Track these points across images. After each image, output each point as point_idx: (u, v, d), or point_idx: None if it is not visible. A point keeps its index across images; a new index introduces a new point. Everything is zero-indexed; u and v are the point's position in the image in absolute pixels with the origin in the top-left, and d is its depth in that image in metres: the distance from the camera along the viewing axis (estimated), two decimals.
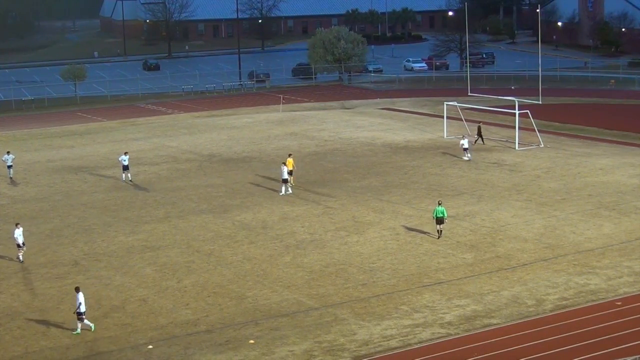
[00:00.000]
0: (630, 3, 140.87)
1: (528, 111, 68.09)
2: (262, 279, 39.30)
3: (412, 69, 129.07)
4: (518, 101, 68.85)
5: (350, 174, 60.18)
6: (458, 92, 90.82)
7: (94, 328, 33.96)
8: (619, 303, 35.19)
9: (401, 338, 32.32)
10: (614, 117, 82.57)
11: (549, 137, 70.65)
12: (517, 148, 66.54)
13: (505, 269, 39.59)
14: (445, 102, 75.03)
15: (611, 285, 37.36)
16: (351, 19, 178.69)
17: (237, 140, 75.25)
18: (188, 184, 58.84)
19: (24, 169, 64.71)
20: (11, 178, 61.47)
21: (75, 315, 33.85)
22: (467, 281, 38.15)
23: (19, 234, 42.82)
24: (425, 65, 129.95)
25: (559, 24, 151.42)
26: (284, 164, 55.41)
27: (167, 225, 48.79)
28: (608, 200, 51.10)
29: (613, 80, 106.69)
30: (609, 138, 71.59)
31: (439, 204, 44.20)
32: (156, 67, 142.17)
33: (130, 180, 59.77)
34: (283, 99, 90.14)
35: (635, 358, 29.65)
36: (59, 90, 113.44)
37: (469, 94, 75.38)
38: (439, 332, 32.80)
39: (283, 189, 54.44)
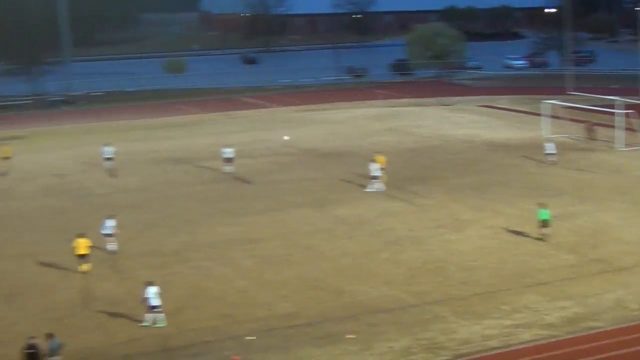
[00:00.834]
0: None
1: (634, 111, 66.68)
2: (361, 274, 39.30)
3: (511, 66, 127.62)
4: (620, 101, 67.44)
5: (449, 171, 59.77)
6: (558, 91, 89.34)
7: (164, 324, 34.09)
8: None
9: (502, 338, 31.96)
10: None
11: None
12: (620, 148, 65.18)
13: (608, 272, 38.79)
14: (545, 100, 73.97)
15: None
16: (449, 15, 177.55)
17: (335, 135, 75.47)
18: (287, 178, 59.25)
19: (126, 160, 65.91)
20: (110, 170, 61.99)
21: (146, 308, 34.11)
22: (569, 283, 37.50)
23: (110, 224, 43.36)
24: (525, 62, 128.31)
25: None
26: (373, 160, 55.25)
27: (266, 217, 49.19)
28: None
29: None
30: None
31: (542, 206, 43.45)
32: (254, 61, 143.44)
33: (231, 173, 60.39)
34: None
35: None
36: (160, 83, 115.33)
37: (569, 92, 74.17)
38: (540, 334, 32.31)
39: (375, 185, 54.22)
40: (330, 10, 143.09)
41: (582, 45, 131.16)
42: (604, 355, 30.26)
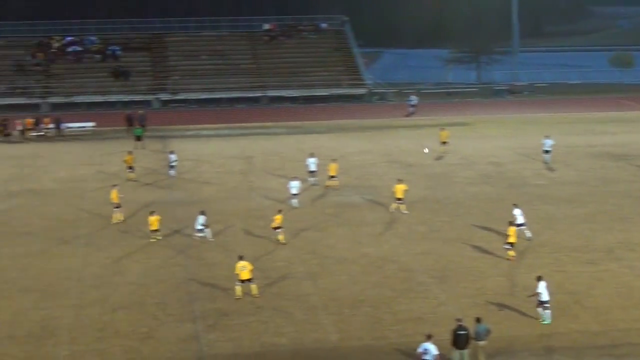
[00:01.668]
0: None
1: None
2: None
3: None
4: None
5: None
6: None
7: (549, 321, 33.34)
8: None
9: None
10: None
11: None
12: None
13: None
14: None
15: None
16: None
17: None
18: None
19: (564, 153, 65.34)
20: (547, 163, 62.05)
21: (535, 303, 33.71)
22: None
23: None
24: None
25: None
26: None
27: None
28: None
29: None
30: None
31: None
32: None
33: None
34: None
35: None
36: (605, 77, 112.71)
37: None
38: None
39: None
40: None
41: None
42: None
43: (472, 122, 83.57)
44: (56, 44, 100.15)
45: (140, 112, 79.39)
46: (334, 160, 56.25)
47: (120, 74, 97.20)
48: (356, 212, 50.07)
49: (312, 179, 55.57)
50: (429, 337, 29.12)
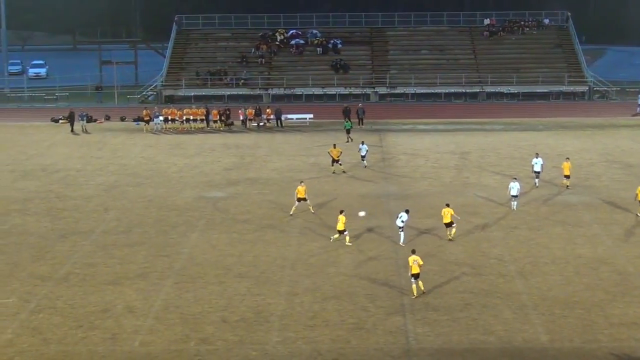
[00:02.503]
0: None
1: None
2: None
3: None
4: None
5: None
6: None
7: None
8: None
9: None
10: None
11: None
12: None
13: None
14: None
15: None
16: None
17: None
18: None
19: None
20: None
21: None
22: None
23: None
24: None
25: None
26: None
27: None
28: None
29: None
30: None
31: None
32: None
33: None
34: None
35: None
36: None
37: None
38: None
39: None
40: None
41: None
42: None
43: None
44: (280, 37, 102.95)
45: (359, 105, 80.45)
46: (567, 159, 54.78)
47: (340, 67, 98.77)
48: (572, 212, 48.76)
49: (536, 180, 54.22)
50: None
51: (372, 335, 32.54)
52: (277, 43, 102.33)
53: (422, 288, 36.18)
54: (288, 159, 63.94)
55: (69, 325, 33.55)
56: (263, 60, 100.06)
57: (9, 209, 50.40)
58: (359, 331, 32.92)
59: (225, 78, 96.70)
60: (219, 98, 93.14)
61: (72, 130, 76.27)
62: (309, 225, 46.63)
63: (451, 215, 43.31)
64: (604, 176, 56.76)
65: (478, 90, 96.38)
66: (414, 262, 35.93)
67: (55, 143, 71.47)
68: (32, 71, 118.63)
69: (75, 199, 52.65)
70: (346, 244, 42.89)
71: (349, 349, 31.56)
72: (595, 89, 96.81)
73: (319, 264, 40.31)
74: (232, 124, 77.74)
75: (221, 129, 77.28)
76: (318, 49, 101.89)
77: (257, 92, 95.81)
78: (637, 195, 46.97)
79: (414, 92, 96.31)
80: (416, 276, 35.92)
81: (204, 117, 77.92)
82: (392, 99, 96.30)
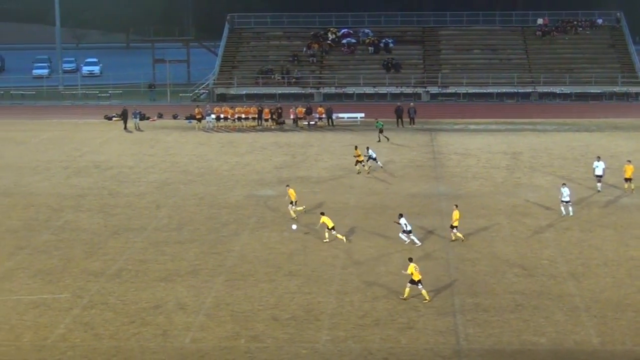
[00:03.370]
0: None
1: None
2: None
3: None
4: None
5: None
6: None
7: None
8: None
9: None
10: None
11: None
12: None
13: None
14: None
15: None
16: None
17: None
18: None
19: None
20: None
21: None
22: None
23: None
24: None
25: None
26: None
27: None
28: None
29: None
30: None
31: None
32: None
33: None
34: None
35: None
36: None
37: None
38: None
39: None
40: None
41: None
42: None
43: None
44: (331, 36, 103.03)
45: (411, 104, 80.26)
46: (628, 162, 53.88)
47: (392, 66, 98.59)
48: (624, 214, 48.24)
49: (598, 184, 52.92)
50: None
51: (422, 335, 32.49)
52: (328, 42, 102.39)
53: (427, 297, 35.89)
54: (339, 158, 63.95)
55: (121, 321, 33.95)
56: (315, 59, 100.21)
57: (63, 205, 51.09)
58: (409, 331, 32.89)
59: (277, 76, 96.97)
60: (271, 96, 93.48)
61: (125, 128, 77.06)
62: (360, 224, 46.65)
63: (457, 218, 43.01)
64: None
65: (530, 91, 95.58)
66: (415, 269, 35.72)
67: (108, 140, 72.26)
68: (85, 69, 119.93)
69: (127, 196, 53.21)
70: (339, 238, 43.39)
71: (399, 348, 31.54)
72: None
73: (369, 263, 40.32)
74: (283, 122, 77.96)
75: (273, 127, 77.57)
76: (370, 48, 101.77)
77: (309, 90, 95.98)
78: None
79: (465, 91, 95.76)
80: (419, 282, 35.67)
81: (255, 116, 78.26)
82: (444, 98, 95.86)
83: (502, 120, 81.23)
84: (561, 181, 51.27)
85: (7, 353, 31.34)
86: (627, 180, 52.63)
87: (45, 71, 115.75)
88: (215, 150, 67.45)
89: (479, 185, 55.41)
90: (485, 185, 55.57)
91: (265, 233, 45.35)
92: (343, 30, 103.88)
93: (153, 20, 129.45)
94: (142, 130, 76.79)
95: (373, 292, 36.59)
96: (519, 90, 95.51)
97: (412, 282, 35.69)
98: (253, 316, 34.32)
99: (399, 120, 77.56)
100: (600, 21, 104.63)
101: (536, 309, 34.66)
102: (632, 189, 52.33)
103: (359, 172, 58.28)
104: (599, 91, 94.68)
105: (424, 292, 35.73)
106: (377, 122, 71.76)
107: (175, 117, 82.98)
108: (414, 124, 78.17)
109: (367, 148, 59.41)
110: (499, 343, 31.81)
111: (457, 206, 44.02)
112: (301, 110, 78.80)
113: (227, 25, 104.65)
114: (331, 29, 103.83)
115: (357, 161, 58.57)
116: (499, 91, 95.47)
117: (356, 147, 59.41)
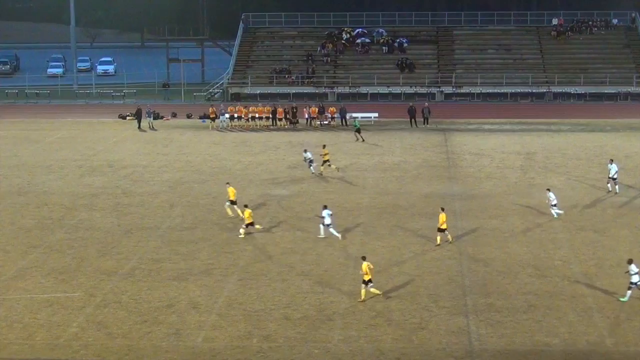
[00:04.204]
0: None
1: None
2: None
3: None
4: None
5: None
6: None
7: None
8: None
9: None
10: None
11: None
12: None
13: None
14: None
15: None
16: None
17: None
18: None
19: None
20: None
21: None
22: None
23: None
24: None
25: None
26: None
27: None
28: None
29: None
30: None
31: None
32: None
33: None
34: None
35: None
36: None
37: None
38: None
39: None
40: None
41: None
42: None
43: None
44: (346, 36, 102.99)
45: (424, 104, 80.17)
46: None
47: (406, 66, 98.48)
48: (639, 215, 48.04)
49: (616, 187, 52.45)
50: None
51: (434, 335, 32.44)
52: (343, 42, 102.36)
53: (378, 292, 35.99)
54: (352, 158, 63.93)
55: (133, 320, 34.02)
56: (329, 58, 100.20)
57: (76, 204, 51.25)
58: (422, 331, 32.84)
59: (291, 76, 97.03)
60: (284, 96, 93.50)
61: (139, 127, 77.24)
62: (372, 224, 46.63)
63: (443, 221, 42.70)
64: None
65: (545, 91, 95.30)
66: (368, 268, 35.70)
67: (122, 139, 72.46)
68: (100, 68, 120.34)
69: (141, 195, 53.34)
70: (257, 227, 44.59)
71: (411, 348, 31.49)
72: None
73: (382, 263, 40.24)
74: (297, 122, 77.97)
75: (286, 127, 77.59)
76: (384, 47, 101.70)
77: (323, 90, 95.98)
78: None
79: (480, 91, 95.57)
80: (370, 282, 35.68)
81: (269, 115, 78.31)
82: (458, 98, 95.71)
83: (516, 120, 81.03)
84: (575, 181, 51.12)
85: (20, 351, 31.45)
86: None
87: (59, 70, 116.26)
88: (229, 150, 67.54)
89: (493, 186, 55.28)
90: (499, 185, 55.45)
91: (278, 232, 45.37)
92: (357, 30, 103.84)
93: (167, 19, 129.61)
94: (156, 130, 76.98)
95: (385, 293, 36.52)
96: (534, 91, 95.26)
97: (364, 282, 35.62)
98: (265, 315, 34.34)
99: (412, 120, 77.45)
100: (615, 21, 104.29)
101: (549, 310, 34.55)
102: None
103: (320, 173, 58.02)
104: (613, 91, 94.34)
105: (373, 290, 35.80)
106: (355, 122, 71.92)
107: (189, 116, 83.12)
108: (427, 124, 78.06)
109: (305, 150, 59.37)
110: (512, 344, 31.71)
111: (443, 209, 43.48)
112: (315, 109, 78.77)
113: (241, 25, 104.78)
114: (345, 29, 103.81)
115: (324, 161, 58.36)
116: (513, 91, 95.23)
117: (324, 146, 59.36)
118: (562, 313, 34.24)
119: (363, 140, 69.57)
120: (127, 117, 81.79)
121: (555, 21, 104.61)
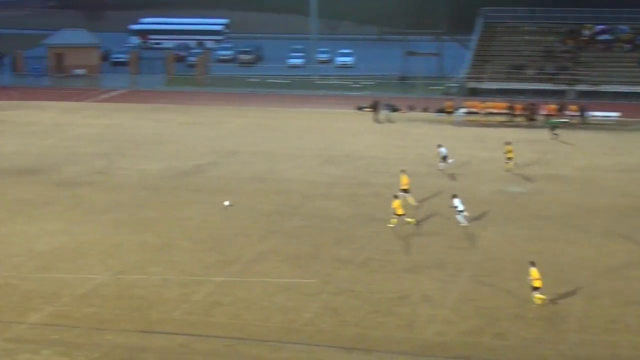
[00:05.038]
0: None
1: None
2: None
3: None
4: None
5: None
6: None
7: None
8: None
9: None
10: None
11: None
12: None
13: None
14: None
15: None
16: None
17: None
18: None
19: None
20: None
21: None
22: None
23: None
24: None
25: None
26: None
27: None
28: None
29: None
30: None
31: None
32: None
33: None
34: None
35: None
36: None
37: None
38: None
39: None
40: None
41: None
42: None
43: None
44: (587, 32, 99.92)
45: None
46: None
47: None
48: None
49: None
50: None
51: None
52: (584, 38, 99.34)
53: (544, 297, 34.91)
54: (591, 158, 62.07)
55: (366, 309, 34.52)
56: (569, 55, 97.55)
57: (314, 193, 52.48)
58: None
59: (529, 72, 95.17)
60: (521, 92, 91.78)
61: (376, 119, 78.10)
62: (613, 226, 45.13)
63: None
64: None
65: None
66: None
67: (359, 131, 73.44)
68: (339, 59, 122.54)
69: (376, 186, 53.92)
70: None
71: None
72: None
73: (620, 266, 38.92)
74: (534, 119, 76.42)
75: (523, 123, 76.23)
76: (626, 45, 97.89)
77: (561, 87, 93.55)
78: None
79: None
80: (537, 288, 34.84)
81: (506, 111, 77.15)
82: None
83: None
84: None
85: (258, 333, 32.59)
86: None
87: (300, 61, 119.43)
88: (464, 145, 67.05)
89: None
90: None
91: (513, 230, 44.75)
92: (599, 27, 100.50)
93: (405, 13, 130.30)
94: (393, 122, 77.55)
95: (624, 297, 35.31)
96: None
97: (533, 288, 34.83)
98: (498, 313, 33.97)
99: None
100: None
101: None
102: None
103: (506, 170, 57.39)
104: None
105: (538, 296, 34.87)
106: (550, 120, 69.77)
107: (426, 110, 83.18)
108: None
109: (439, 146, 58.67)
110: None
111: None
112: (552, 107, 76.92)
113: (480, 19, 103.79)
114: (586, 25, 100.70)
115: (507, 158, 57.43)
116: None
117: (508, 143, 58.34)
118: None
119: (557, 135, 68.19)
120: (364, 109, 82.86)
121: None
